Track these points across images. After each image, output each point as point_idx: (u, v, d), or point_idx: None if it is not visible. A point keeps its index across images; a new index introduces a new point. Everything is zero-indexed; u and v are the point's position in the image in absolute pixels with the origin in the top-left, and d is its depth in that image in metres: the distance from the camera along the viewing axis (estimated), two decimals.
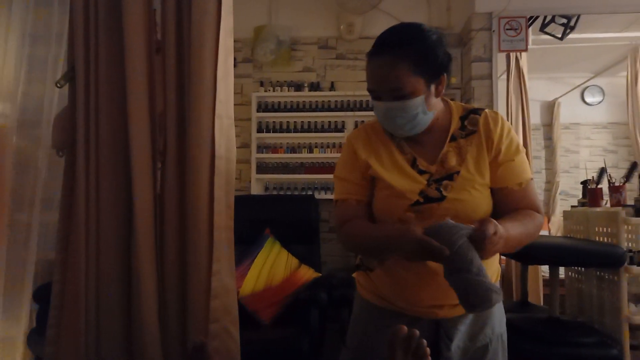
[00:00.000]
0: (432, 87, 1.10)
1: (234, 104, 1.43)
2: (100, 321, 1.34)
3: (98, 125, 1.37)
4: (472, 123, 1.16)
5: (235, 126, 3.54)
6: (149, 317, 1.30)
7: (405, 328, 0.94)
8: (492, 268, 1.19)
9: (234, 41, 1.41)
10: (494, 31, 2.89)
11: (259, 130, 3.30)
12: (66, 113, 1.43)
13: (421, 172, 1.13)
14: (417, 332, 0.95)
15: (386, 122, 1.13)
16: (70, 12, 1.41)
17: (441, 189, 1.10)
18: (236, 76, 3.33)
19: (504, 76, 3.17)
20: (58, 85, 1.45)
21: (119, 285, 1.36)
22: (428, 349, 0.94)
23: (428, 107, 1.10)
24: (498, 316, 1.21)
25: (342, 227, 1.18)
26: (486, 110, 1.18)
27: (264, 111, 3.30)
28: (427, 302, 1.14)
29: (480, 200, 1.10)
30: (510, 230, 1.00)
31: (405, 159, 1.15)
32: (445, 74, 1.12)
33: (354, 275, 1.32)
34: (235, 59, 3.30)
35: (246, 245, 2.74)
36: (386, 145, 1.18)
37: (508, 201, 1.13)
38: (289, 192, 3.28)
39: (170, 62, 1.36)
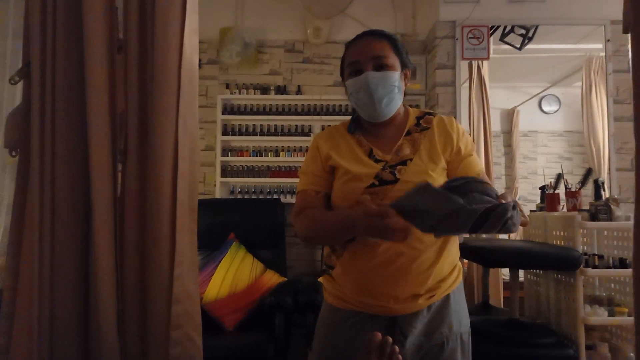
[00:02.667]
0: (403, 75, 1.24)
1: (199, 106, 1.40)
2: (54, 330, 1.28)
3: (54, 123, 1.31)
4: (426, 122, 1.28)
5: (201, 128, 3.50)
6: (107, 324, 1.25)
7: (380, 335, 0.96)
8: (451, 255, 1.23)
9: (199, 42, 1.39)
10: (457, 39, 2.96)
11: (224, 133, 3.26)
12: (20, 110, 1.36)
13: (377, 161, 1.21)
14: (390, 338, 0.96)
15: (366, 95, 1.20)
16: (26, 6, 1.34)
17: (395, 172, 1.18)
18: (201, 78, 3.28)
19: (467, 84, 3.25)
20: (12, 82, 1.37)
21: (75, 292, 1.30)
22: (400, 356, 0.95)
23: (402, 90, 1.24)
24: (458, 316, 1.23)
25: (299, 214, 1.24)
26: (439, 114, 1.31)
27: (229, 114, 3.26)
28: (385, 292, 1.15)
29: (434, 183, 1.14)
30: None
31: (363, 150, 1.25)
32: (409, 71, 1.28)
33: (320, 279, 1.33)
34: (200, 60, 3.24)
35: (210, 250, 2.69)
36: (347, 140, 1.28)
37: None
38: (254, 196, 3.25)
39: (133, 60, 1.32)
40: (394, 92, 1.21)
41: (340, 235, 1.15)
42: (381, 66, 1.19)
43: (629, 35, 0.73)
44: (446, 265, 1.20)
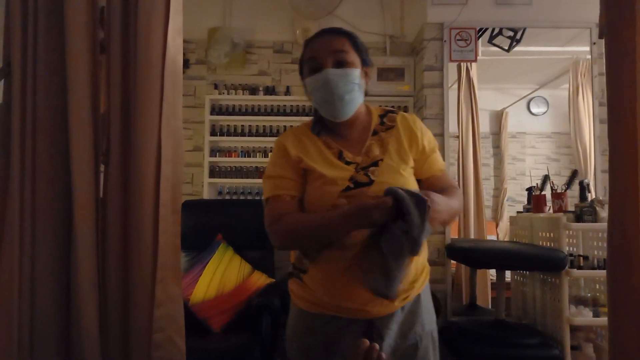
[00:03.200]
0: (363, 73, 1.23)
1: (187, 106, 1.40)
2: (34, 334, 1.26)
3: (35, 124, 1.29)
4: (390, 120, 1.28)
5: (188, 129, 3.48)
6: (89, 327, 1.24)
7: (367, 341, 0.97)
8: (422, 256, 1.24)
9: (187, 42, 1.38)
10: (445, 41, 2.97)
11: (213, 134, 3.24)
12: (0, 110, 1.34)
13: (348, 163, 1.20)
14: (377, 345, 0.97)
15: (326, 93, 1.17)
16: (6, 4, 1.33)
17: (369, 174, 1.17)
18: (189, 78, 3.27)
19: (456, 85, 3.26)
20: None
21: (56, 294, 1.28)
22: None
23: (362, 88, 1.22)
24: (428, 314, 1.24)
25: (278, 221, 1.17)
26: (401, 112, 1.31)
27: (217, 114, 3.24)
28: (360, 297, 1.14)
29: (406, 182, 1.18)
30: (449, 203, 1.13)
31: (332, 153, 1.22)
32: (369, 69, 1.26)
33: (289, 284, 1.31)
34: (188, 60, 3.23)
35: (198, 251, 2.67)
36: (314, 142, 1.25)
37: (435, 186, 1.24)
38: (242, 197, 3.24)
39: (115, 61, 1.31)
40: (355, 89, 1.19)
41: (336, 234, 1.12)
42: (341, 63, 1.17)
43: None
44: (418, 265, 1.21)
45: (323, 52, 1.18)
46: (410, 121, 1.27)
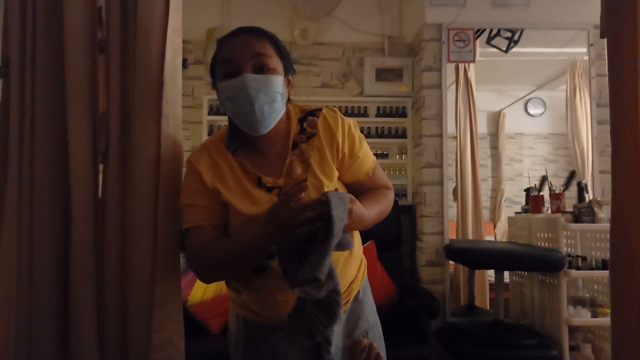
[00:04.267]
0: (286, 81, 1.10)
1: (185, 107, 1.39)
2: (32, 336, 1.25)
3: (33, 124, 1.28)
4: (311, 126, 1.13)
5: (186, 129, 3.46)
6: (87, 328, 1.23)
7: (365, 340, 0.97)
8: (357, 255, 1.20)
9: (185, 42, 1.37)
10: (443, 42, 2.97)
11: (211, 134, 3.22)
12: None
13: (270, 190, 1.08)
14: (375, 344, 0.97)
15: (244, 102, 1.02)
16: (4, 3, 1.32)
17: None
18: (187, 78, 3.26)
19: (454, 86, 3.27)
20: None
21: (54, 296, 1.27)
22: None
23: (285, 97, 1.09)
24: (370, 307, 1.24)
25: (199, 257, 1.08)
26: (324, 109, 1.15)
27: (215, 114, 3.23)
28: None
29: None
30: (369, 208, 1.04)
31: (250, 180, 1.09)
32: (292, 77, 1.14)
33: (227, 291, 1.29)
34: (186, 60, 3.22)
35: None
36: (230, 165, 1.11)
37: (361, 190, 1.17)
38: None
39: (114, 60, 1.30)
40: (277, 100, 1.04)
41: (257, 254, 1.03)
42: (262, 68, 1.02)
43: None
44: (353, 266, 1.19)
45: (241, 54, 1.02)
46: (331, 123, 1.12)
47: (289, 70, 1.11)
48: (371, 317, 1.23)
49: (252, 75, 1.01)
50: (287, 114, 1.15)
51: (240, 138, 1.13)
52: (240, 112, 1.05)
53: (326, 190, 1.03)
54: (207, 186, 1.09)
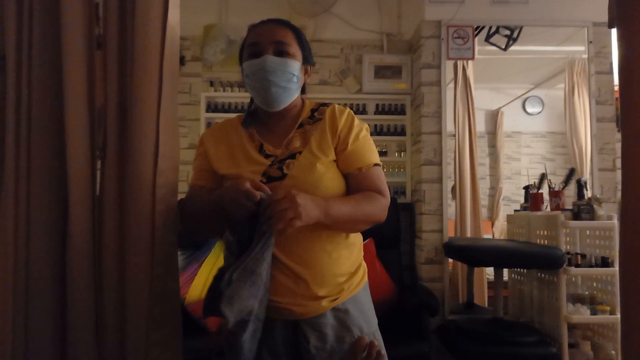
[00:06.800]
0: (303, 69, 1.23)
1: (182, 104, 1.38)
2: (29, 333, 1.24)
3: (30, 119, 1.26)
4: (320, 113, 1.25)
5: (184, 126, 3.44)
6: (85, 325, 1.21)
7: (366, 338, 0.98)
8: (352, 257, 1.21)
9: (182, 39, 1.36)
10: (442, 39, 2.96)
11: None
12: None
13: (267, 156, 1.19)
14: (376, 341, 0.98)
15: (262, 79, 1.16)
16: None
17: (283, 168, 1.15)
18: (185, 75, 3.24)
19: (452, 84, 3.26)
20: None
21: (51, 293, 1.25)
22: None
23: (300, 82, 1.22)
24: (366, 316, 1.21)
25: (184, 208, 1.25)
26: (336, 105, 1.27)
27: (213, 111, 3.21)
28: (282, 295, 1.12)
29: (322, 176, 1.14)
30: (335, 204, 1.08)
31: (254, 146, 1.22)
32: (310, 67, 1.27)
33: None
34: (183, 57, 3.20)
35: (193, 250, 2.65)
36: (239, 135, 1.25)
37: (351, 185, 1.20)
38: None
39: (112, 56, 1.28)
40: (292, 80, 1.18)
41: (215, 213, 1.11)
42: (282, 52, 1.17)
43: (610, 37, 0.73)
44: (344, 267, 1.18)
45: (265, 38, 1.17)
46: (337, 113, 1.23)
47: (307, 60, 1.24)
48: (367, 326, 1.18)
49: (272, 57, 1.15)
50: (303, 104, 1.28)
51: (256, 118, 1.27)
52: (258, 87, 1.18)
53: (319, 165, 1.14)
54: (206, 151, 1.26)
